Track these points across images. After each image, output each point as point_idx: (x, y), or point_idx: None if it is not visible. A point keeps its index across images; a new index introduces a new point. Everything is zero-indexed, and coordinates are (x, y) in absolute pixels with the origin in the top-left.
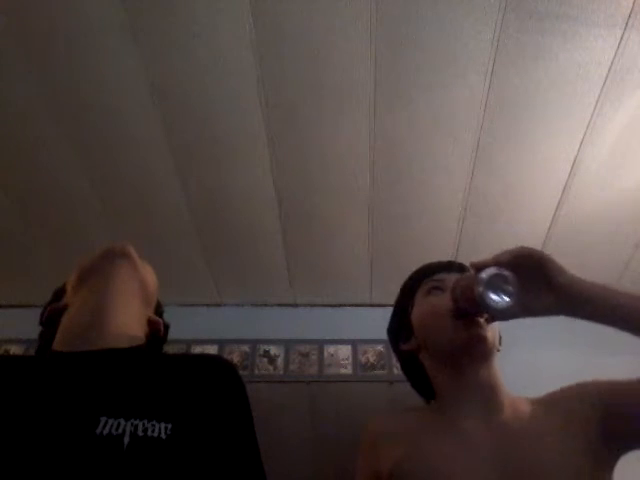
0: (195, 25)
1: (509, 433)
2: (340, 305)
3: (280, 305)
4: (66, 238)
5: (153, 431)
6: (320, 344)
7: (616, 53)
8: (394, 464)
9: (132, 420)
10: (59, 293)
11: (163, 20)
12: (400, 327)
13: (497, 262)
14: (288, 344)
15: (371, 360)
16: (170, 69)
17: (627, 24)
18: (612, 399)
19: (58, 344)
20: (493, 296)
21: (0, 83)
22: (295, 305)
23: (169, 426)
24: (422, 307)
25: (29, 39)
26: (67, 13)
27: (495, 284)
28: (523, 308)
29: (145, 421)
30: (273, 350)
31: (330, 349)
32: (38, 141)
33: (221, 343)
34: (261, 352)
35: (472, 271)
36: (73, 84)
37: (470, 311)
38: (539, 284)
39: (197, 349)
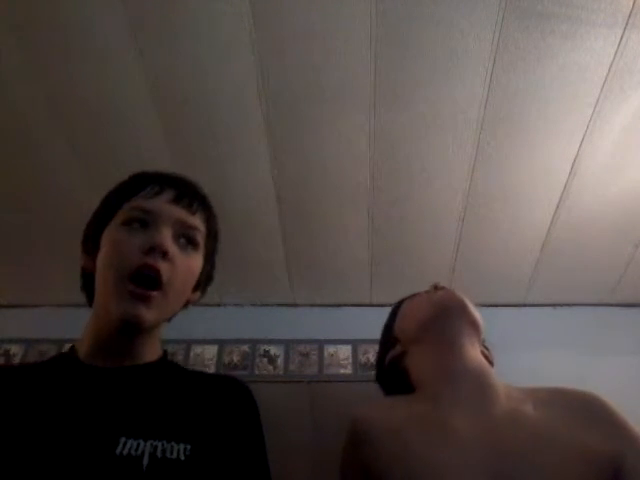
0: (195, 25)
1: (503, 429)
2: (340, 305)
3: (280, 305)
4: (66, 238)
5: (172, 452)
6: (320, 344)
7: (616, 53)
8: (384, 466)
9: (151, 441)
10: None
11: (163, 20)
12: (387, 341)
13: None
14: (288, 344)
15: (371, 360)
16: (170, 69)
17: (627, 24)
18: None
19: (83, 353)
20: None
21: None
22: (295, 305)
23: (188, 447)
24: (405, 305)
25: (29, 39)
26: (67, 13)
27: None
28: None
29: (164, 442)
30: (273, 350)
31: (330, 349)
32: (37, 141)
33: (221, 343)
34: (261, 352)
35: None
36: (72, 84)
37: None
38: None
39: (197, 349)
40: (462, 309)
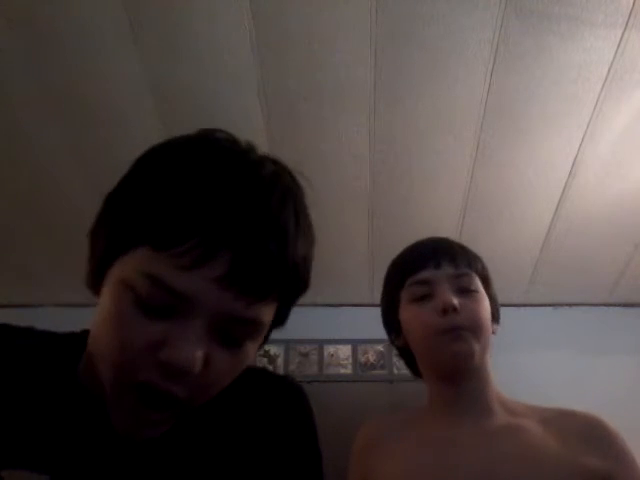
0: (195, 25)
1: (498, 442)
2: (340, 305)
3: None
4: (66, 238)
5: None
6: (320, 344)
7: (616, 53)
8: (383, 477)
9: None
10: None
11: (163, 20)
12: (390, 322)
13: None
14: (288, 344)
15: (371, 360)
16: (170, 69)
17: (627, 24)
18: None
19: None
20: None
21: (0, 83)
22: (295, 305)
23: None
24: (408, 316)
25: (29, 39)
26: (68, 14)
27: None
28: None
29: None
30: (273, 350)
31: (330, 349)
32: (38, 142)
33: None
34: (261, 352)
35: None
36: (73, 85)
37: None
38: None
39: None
40: (471, 367)
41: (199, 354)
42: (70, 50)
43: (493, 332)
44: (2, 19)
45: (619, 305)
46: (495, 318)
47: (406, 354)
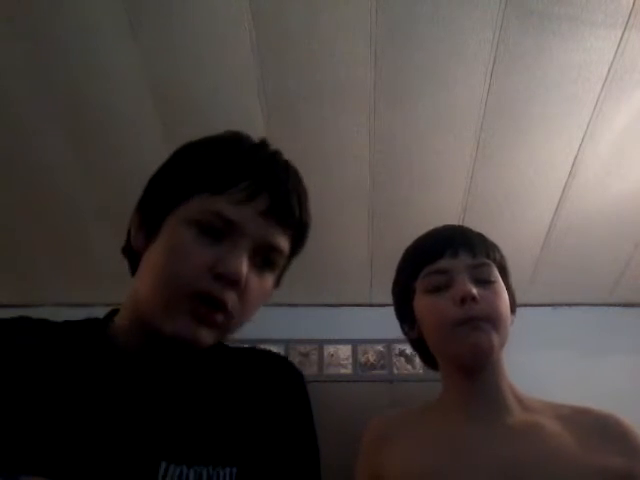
0: (195, 25)
1: (515, 440)
2: (340, 305)
3: (280, 305)
4: (66, 238)
5: (218, 478)
6: (320, 344)
7: (616, 53)
8: (395, 475)
9: (195, 467)
10: None
11: (163, 20)
12: (403, 313)
13: None
14: (288, 344)
15: (371, 360)
16: (170, 69)
17: (627, 24)
18: None
19: (123, 333)
20: None
21: (0, 82)
22: (295, 305)
23: (234, 470)
24: (424, 307)
25: (29, 39)
26: (68, 12)
27: None
28: None
29: (210, 468)
30: (273, 350)
31: (330, 349)
32: (38, 141)
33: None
34: None
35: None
36: (73, 85)
37: None
38: None
39: None
40: (489, 359)
41: (245, 267)
42: (70, 50)
43: (510, 323)
44: (2, 19)
45: (619, 305)
46: (512, 309)
47: (420, 346)
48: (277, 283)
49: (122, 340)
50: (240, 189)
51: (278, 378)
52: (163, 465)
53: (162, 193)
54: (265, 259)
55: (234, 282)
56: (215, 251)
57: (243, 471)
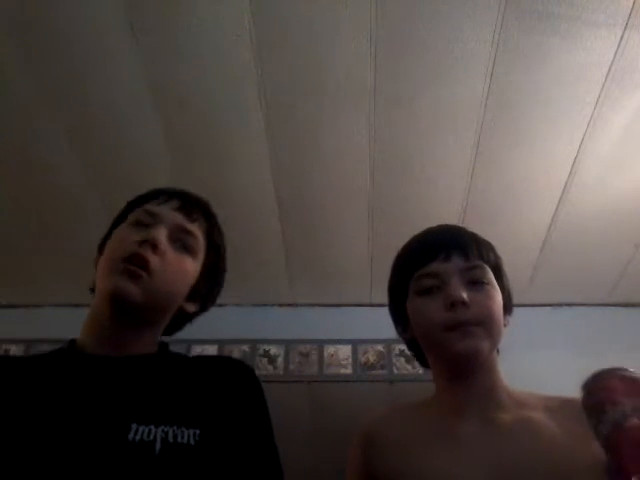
0: (195, 25)
1: (510, 437)
2: (340, 305)
3: (280, 305)
4: (66, 238)
5: (183, 437)
6: (320, 344)
7: (616, 53)
8: (389, 473)
9: (162, 427)
10: None
11: (163, 21)
12: (397, 315)
13: None
14: (288, 344)
15: (371, 360)
16: (170, 69)
17: (627, 24)
18: None
19: (82, 344)
20: None
21: (0, 82)
22: (295, 305)
23: (197, 432)
24: (415, 309)
25: (30, 38)
26: (68, 12)
27: None
28: None
29: (175, 427)
30: (273, 350)
31: (330, 349)
32: (38, 141)
33: (221, 343)
34: (261, 352)
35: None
36: (73, 84)
37: None
38: None
39: (197, 349)
40: (480, 363)
41: (163, 237)
42: (70, 50)
43: (505, 324)
44: (3, 19)
45: (619, 305)
46: (507, 309)
47: (414, 346)
48: (211, 280)
49: (82, 347)
50: (159, 197)
51: (232, 367)
52: (133, 426)
53: (113, 222)
54: (183, 244)
55: (154, 245)
56: (143, 233)
57: (206, 434)
